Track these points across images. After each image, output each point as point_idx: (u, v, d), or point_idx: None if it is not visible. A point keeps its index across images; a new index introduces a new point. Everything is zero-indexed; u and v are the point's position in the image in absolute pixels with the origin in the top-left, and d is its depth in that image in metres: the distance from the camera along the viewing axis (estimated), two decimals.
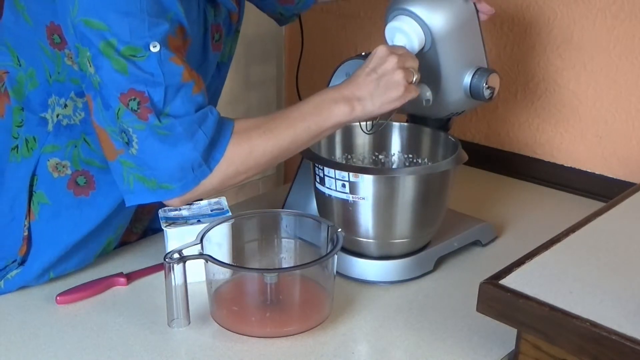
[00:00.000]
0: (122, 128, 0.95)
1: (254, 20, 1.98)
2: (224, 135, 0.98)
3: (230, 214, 1.10)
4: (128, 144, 0.96)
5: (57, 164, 1.04)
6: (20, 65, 1.03)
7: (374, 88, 1.01)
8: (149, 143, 0.95)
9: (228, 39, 1.15)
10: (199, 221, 1.07)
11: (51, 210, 1.06)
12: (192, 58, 1.03)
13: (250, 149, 0.99)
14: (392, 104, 1.02)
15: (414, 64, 1.04)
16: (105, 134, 0.97)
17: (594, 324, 0.76)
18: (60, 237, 1.06)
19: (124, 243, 1.21)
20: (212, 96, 1.16)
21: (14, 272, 1.06)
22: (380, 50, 1.03)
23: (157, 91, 0.93)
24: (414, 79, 1.03)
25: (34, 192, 1.05)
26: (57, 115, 1.03)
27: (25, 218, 1.05)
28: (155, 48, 0.92)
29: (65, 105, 1.03)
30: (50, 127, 1.03)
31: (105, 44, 0.91)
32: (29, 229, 1.05)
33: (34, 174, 1.04)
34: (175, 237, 1.06)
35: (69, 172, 1.05)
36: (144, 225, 1.25)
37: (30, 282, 1.06)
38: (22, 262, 1.06)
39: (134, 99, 0.93)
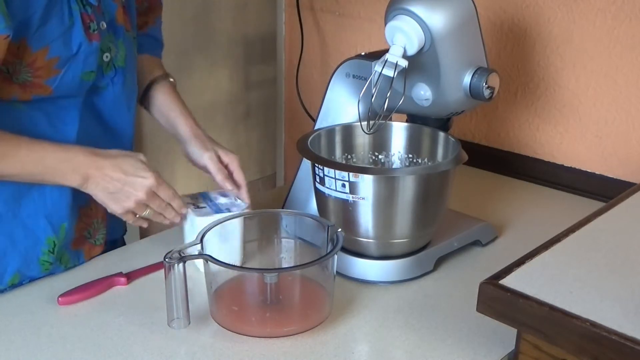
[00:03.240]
0: None
1: (253, 21, 1.98)
2: None
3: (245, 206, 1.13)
4: None
5: None
6: None
7: (111, 189, 1.03)
8: None
9: (117, 40, 1.11)
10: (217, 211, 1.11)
11: None
12: (54, 36, 1.00)
13: None
14: (106, 206, 1.06)
15: (158, 207, 1.06)
16: None
17: (594, 324, 0.76)
18: None
19: (91, 258, 1.19)
20: (115, 103, 1.13)
21: None
22: (149, 180, 1.04)
23: None
24: (143, 213, 1.06)
25: None
26: None
27: None
28: None
29: None
30: None
31: None
32: None
33: None
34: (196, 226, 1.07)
35: None
36: (103, 235, 1.20)
37: None
38: None
39: None
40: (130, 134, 1.18)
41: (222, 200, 1.15)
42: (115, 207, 1.05)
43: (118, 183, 1.03)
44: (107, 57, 1.08)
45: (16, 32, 0.95)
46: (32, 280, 1.10)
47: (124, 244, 1.30)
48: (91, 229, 1.17)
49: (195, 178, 1.91)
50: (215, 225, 1.01)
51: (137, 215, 1.07)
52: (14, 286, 1.09)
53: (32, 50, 0.98)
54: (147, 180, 1.04)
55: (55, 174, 1.02)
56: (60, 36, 1.00)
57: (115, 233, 1.25)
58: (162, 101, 1.26)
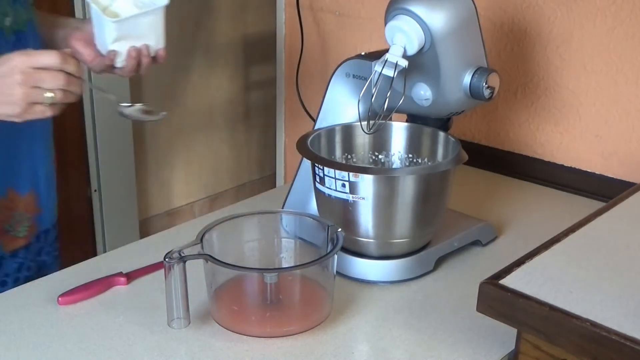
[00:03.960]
0: None
1: (253, 21, 1.99)
2: None
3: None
4: None
5: None
6: None
7: None
8: None
9: (15, 4, 1.06)
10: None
11: None
12: None
13: None
14: (10, 118, 0.94)
15: (53, 82, 0.92)
16: None
17: (594, 324, 0.76)
18: None
19: (13, 252, 1.16)
20: None
21: None
22: (15, 60, 0.91)
23: None
24: (45, 97, 0.92)
25: None
26: None
27: None
28: None
29: None
30: None
31: None
32: None
33: None
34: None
35: None
36: (27, 227, 1.16)
37: None
38: None
39: None
40: None
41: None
42: (7, 110, 0.92)
43: None
44: (8, 21, 1.04)
45: None
46: None
47: (55, 233, 1.26)
48: (13, 221, 1.14)
49: (196, 179, 1.91)
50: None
51: (43, 104, 0.92)
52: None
53: None
54: (11, 60, 0.90)
55: None
56: None
57: (45, 223, 1.21)
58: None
